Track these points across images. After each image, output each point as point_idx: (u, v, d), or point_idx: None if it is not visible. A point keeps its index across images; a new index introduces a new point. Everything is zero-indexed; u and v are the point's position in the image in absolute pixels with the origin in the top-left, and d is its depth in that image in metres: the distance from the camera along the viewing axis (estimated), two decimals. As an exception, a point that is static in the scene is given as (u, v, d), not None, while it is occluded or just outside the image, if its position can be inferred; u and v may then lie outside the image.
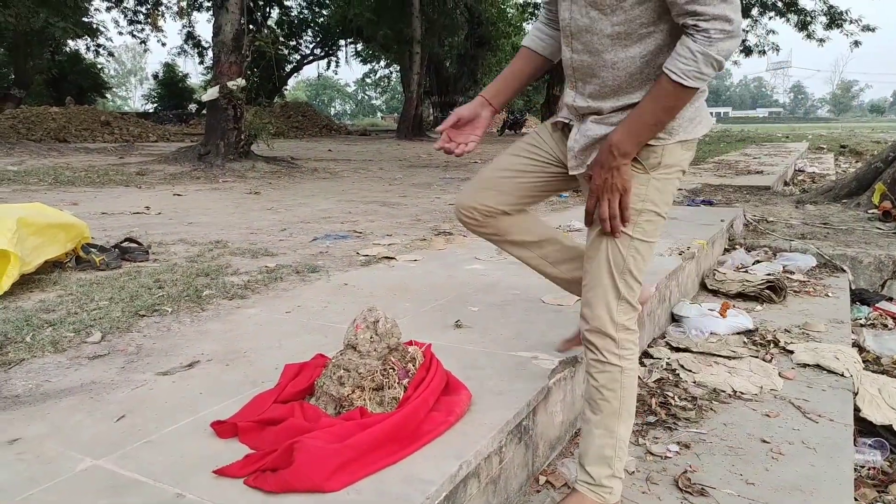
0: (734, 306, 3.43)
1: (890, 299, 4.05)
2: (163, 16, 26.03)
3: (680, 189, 7.40)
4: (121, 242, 3.67)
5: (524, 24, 30.15)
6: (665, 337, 3.10)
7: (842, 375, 2.63)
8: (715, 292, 3.82)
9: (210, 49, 13.60)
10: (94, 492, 1.31)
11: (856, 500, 1.88)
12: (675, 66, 1.31)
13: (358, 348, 1.60)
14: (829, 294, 3.87)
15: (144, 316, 2.54)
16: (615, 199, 1.45)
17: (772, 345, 2.99)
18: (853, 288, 4.17)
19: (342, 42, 32.46)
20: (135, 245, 3.66)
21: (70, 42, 27.32)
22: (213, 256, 3.70)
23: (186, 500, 1.27)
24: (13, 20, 16.30)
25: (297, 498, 1.26)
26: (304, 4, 31.80)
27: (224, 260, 3.61)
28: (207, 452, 1.46)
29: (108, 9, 26.39)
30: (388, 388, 1.57)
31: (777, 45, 25.47)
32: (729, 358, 2.81)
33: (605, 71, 1.46)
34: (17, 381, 1.90)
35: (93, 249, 3.40)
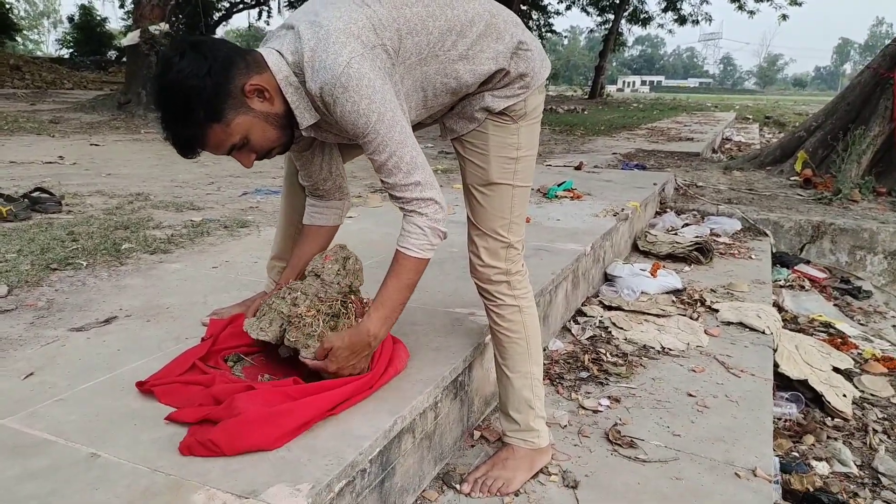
0: (664, 267, 3.52)
1: (808, 262, 4.26)
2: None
3: (614, 153, 7.52)
4: (31, 192, 3.42)
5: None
6: (599, 296, 3.15)
7: (763, 333, 2.74)
8: (646, 253, 3.91)
9: (131, -9, 12.74)
10: (-5, 453, 1.20)
11: (773, 449, 1.96)
12: (409, 243, 1.36)
13: (322, 276, 1.54)
14: (753, 256, 4.03)
15: (56, 269, 2.37)
16: (347, 372, 1.43)
17: (698, 304, 3.08)
18: (774, 251, 4.35)
19: (275, -9, 31.04)
20: (46, 195, 3.42)
21: (-27, -23, 25.05)
22: (133, 209, 3.50)
23: (101, 460, 1.19)
24: None
25: (218, 460, 1.20)
26: (234, -52, 30.09)
27: (145, 213, 3.42)
28: (125, 411, 1.37)
29: (17, -58, 24.25)
30: (345, 318, 1.49)
31: (710, 16, 26.14)
32: (658, 316, 2.88)
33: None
34: None
35: (-1, 199, 3.15)
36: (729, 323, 2.85)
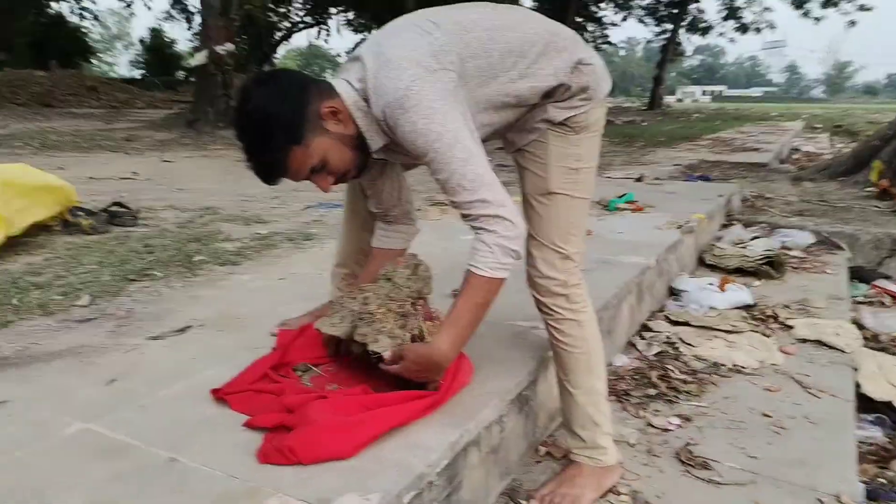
0: (733, 281, 3.40)
1: (888, 277, 4.03)
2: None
3: (676, 165, 7.35)
4: (109, 207, 3.58)
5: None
6: (664, 311, 3.06)
7: (842, 351, 2.61)
8: (713, 267, 3.79)
9: (197, 14, 13.27)
10: (83, 454, 1.26)
11: (858, 475, 1.86)
12: (476, 261, 1.35)
13: (394, 280, 1.57)
14: (828, 271, 3.85)
15: (134, 280, 2.47)
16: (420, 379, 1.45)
17: (771, 320, 2.96)
18: (851, 265, 4.15)
19: (333, 10, 31.79)
20: (123, 209, 3.58)
21: (53, 4, 26.63)
22: (203, 222, 3.63)
23: (180, 465, 1.22)
24: (-6, -21, 15.82)
25: (290, 468, 1.21)
26: (295, -30, 31.02)
27: (215, 226, 3.53)
28: (201, 417, 1.41)
29: (94, -30, 25.72)
30: (414, 319, 1.52)
31: (773, 23, 25.36)
32: (728, 332, 2.78)
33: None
34: (4, 343, 1.84)
35: (80, 213, 3.31)
36: (805, 340, 2.73)
